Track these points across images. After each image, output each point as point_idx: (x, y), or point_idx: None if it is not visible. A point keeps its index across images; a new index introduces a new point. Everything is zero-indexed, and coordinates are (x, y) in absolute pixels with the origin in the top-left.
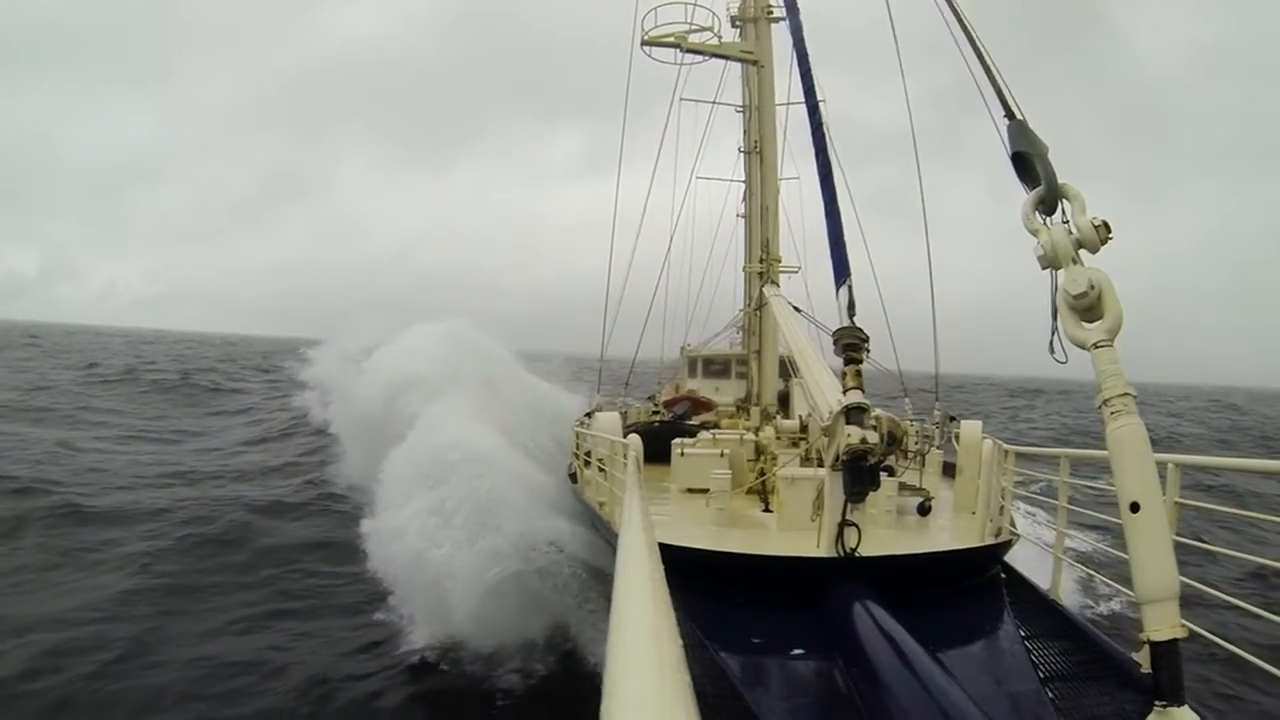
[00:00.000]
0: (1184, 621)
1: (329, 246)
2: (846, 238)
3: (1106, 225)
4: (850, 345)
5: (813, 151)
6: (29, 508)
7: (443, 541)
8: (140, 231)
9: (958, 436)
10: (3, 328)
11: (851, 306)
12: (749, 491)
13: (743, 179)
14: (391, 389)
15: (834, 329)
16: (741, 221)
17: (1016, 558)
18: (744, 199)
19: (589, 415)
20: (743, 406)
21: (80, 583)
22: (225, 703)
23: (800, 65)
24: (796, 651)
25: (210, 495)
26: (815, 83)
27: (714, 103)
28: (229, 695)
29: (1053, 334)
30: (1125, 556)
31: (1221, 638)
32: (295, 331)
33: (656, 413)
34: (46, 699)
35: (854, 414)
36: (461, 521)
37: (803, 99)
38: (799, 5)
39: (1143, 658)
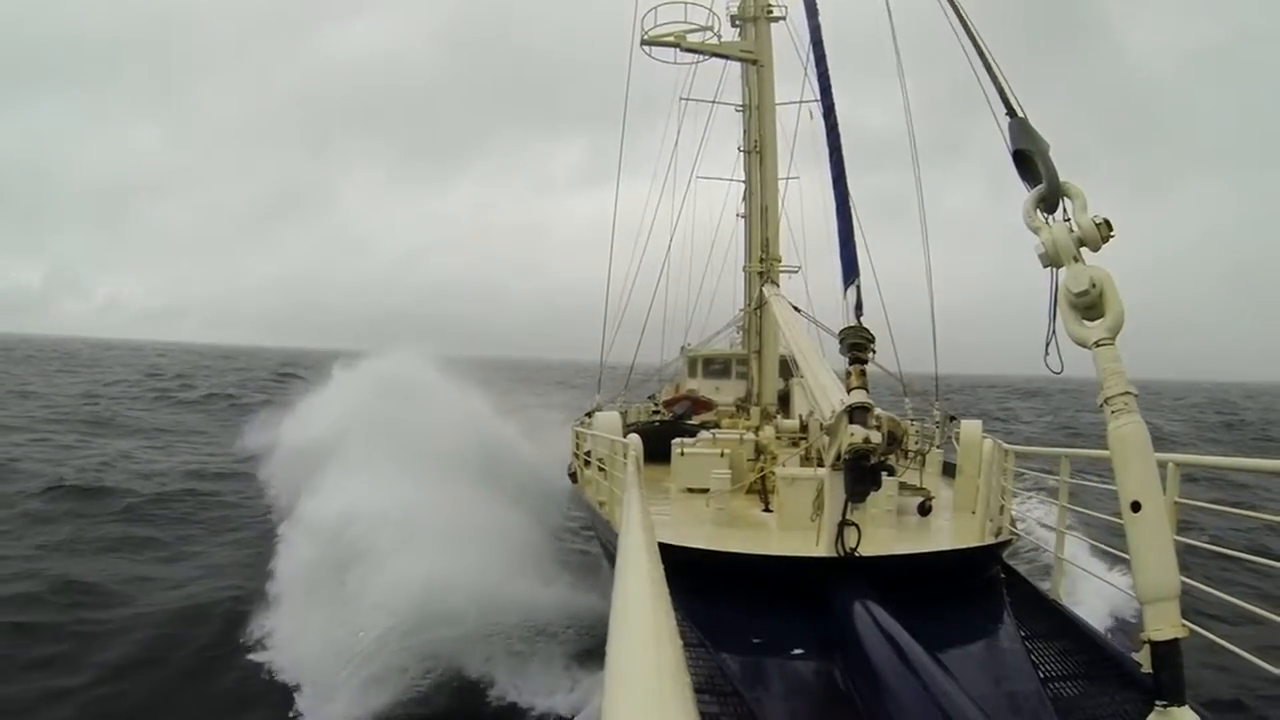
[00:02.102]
0: (1184, 621)
1: (333, 259)
2: None
3: (1108, 223)
4: (856, 345)
5: (816, 151)
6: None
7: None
8: (144, 246)
9: (958, 436)
10: (9, 342)
11: (859, 306)
12: (749, 491)
13: (743, 179)
14: (303, 455)
15: (840, 329)
16: (741, 221)
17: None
18: (744, 199)
19: (589, 415)
20: (743, 406)
21: None
22: None
23: (817, 66)
24: (796, 651)
25: None
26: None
27: (714, 102)
28: None
29: (1048, 341)
30: (1125, 556)
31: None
32: (301, 343)
33: (657, 412)
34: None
35: (857, 413)
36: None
37: (800, 99)
38: (818, 6)
39: (1143, 657)
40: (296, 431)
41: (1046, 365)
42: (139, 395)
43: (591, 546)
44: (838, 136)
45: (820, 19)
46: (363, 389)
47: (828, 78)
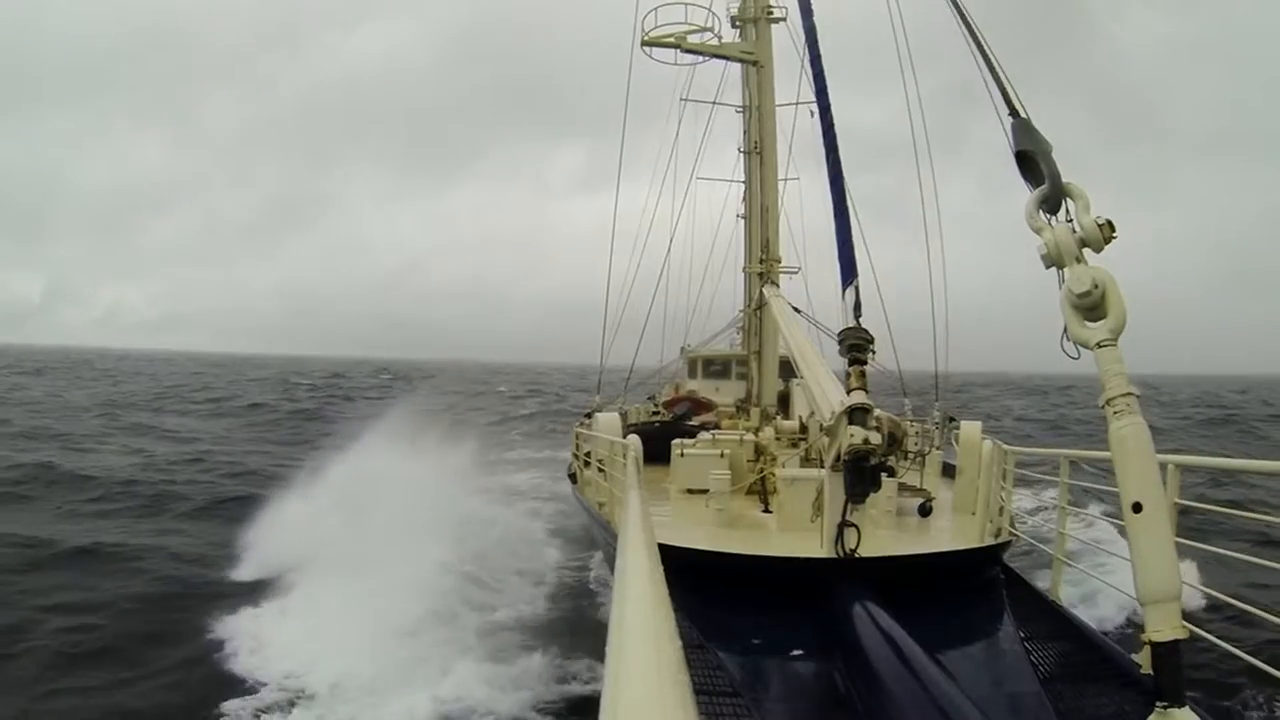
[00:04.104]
0: (1185, 623)
1: (336, 266)
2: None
3: (1110, 224)
4: (855, 346)
5: (816, 152)
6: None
7: None
8: (145, 255)
9: (958, 437)
10: (11, 352)
11: (858, 307)
12: (749, 492)
13: (743, 179)
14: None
15: (839, 330)
16: (741, 222)
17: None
18: (744, 199)
19: (589, 415)
20: (743, 407)
21: None
22: None
23: (813, 66)
24: (796, 652)
25: None
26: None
27: (714, 103)
28: None
29: (1065, 329)
30: (1126, 557)
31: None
32: (303, 350)
33: (656, 413)
34: None
35: (857, 414)
36: None
37: (799, 100)
38: (812, 6)
39: (1143, 658)
40: (257, 558)
41: (1064, 350)
42: (173, 408)
43: (589, 565)
44: (834, 137)
45: (819, 19)
46: (326, 503)
47: (824, 78)
